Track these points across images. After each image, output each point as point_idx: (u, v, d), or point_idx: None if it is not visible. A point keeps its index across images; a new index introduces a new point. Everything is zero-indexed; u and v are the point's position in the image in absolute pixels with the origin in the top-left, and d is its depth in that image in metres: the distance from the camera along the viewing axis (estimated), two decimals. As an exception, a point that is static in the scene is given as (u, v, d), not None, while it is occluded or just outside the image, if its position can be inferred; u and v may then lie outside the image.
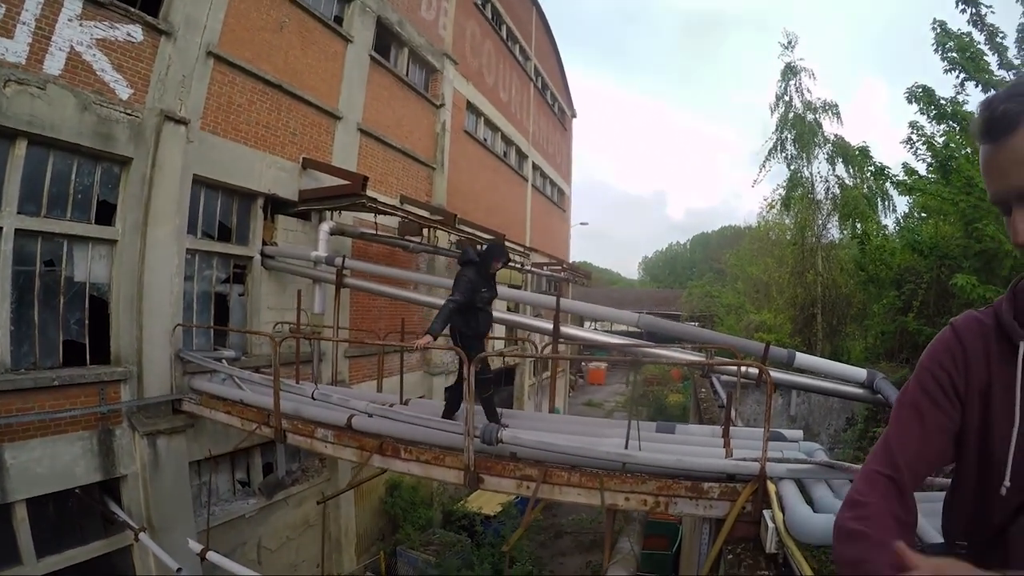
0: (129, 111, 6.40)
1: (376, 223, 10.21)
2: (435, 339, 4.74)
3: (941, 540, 1.16)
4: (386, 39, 11.72)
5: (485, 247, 5.31)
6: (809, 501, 3.81)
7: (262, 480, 8.23)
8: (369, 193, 9.09)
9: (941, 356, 1.05)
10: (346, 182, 9.04)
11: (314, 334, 8.72)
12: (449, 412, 5.43)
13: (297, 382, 7.37)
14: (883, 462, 1.01)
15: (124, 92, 6.36)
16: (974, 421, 0.99)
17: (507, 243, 15.17)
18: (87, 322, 6.31)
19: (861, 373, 5.72)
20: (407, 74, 12.47)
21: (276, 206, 8.92)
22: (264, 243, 8.67)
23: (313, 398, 6.31)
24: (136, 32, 6.43)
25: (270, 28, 8.48)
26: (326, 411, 5.89)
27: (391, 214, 10.13)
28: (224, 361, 7.43)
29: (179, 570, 5.81)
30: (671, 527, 10.80)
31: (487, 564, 9.42)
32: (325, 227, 9.19)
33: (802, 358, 5.89)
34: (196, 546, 5.84)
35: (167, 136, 6.79)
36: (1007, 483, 0.92)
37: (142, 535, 6.03)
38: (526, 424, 5.53)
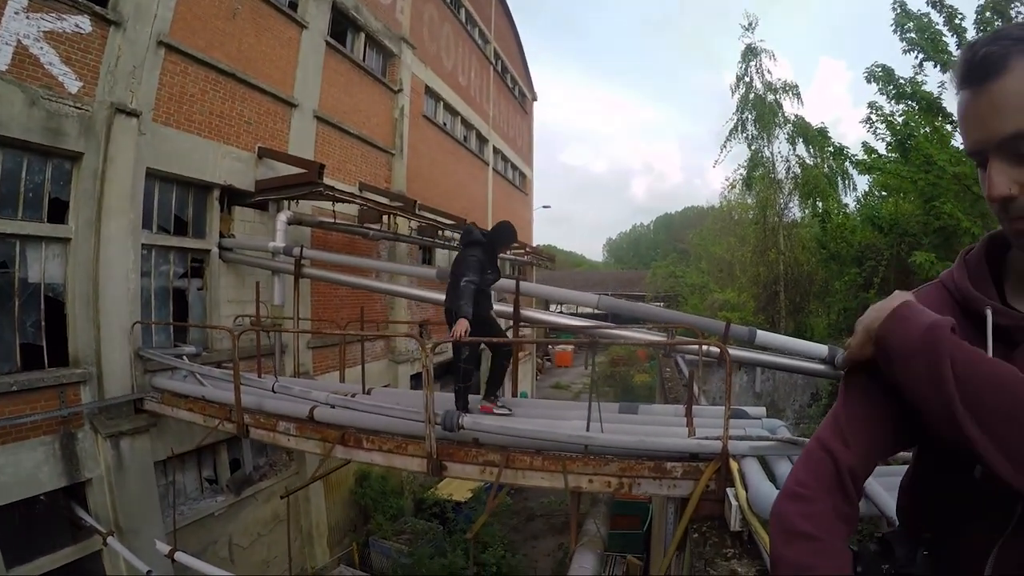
0: (79, 105, 6.28)
1: (334, 211, 10.23)
2: (469, 320, 4.65)
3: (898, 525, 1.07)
4: (342, 24, 11.62)
5: (493, 228, 5.28)
6: (772, 478, 3.84)
7: (229, 477, 8.28)
8: (327, 181, 9.10)
9: None
10: (303, 170, 9.02)
11: (274, 326, 8.78)
12: (462, 403, 5.36)
13: (259, 376, 7.38)
14: (831, 443, 0.93)
15: (73, 85, 6.25)
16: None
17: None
18: (43, 324, 6.23)
19: (823, 349, 5.79)
20: (364, 59, 12.41)
21: (232, 197, 8.86)
22: (221, 235, 8.62)
23: (274, 391, 6.28)
24: (84, 23, 6.29)
25: (223, 15, 8.36)
26: (288, 404, 5.88)
27: (350, 201, 10.17)
28: (185, 357, 7.42)
29: (149, 572, 5.84)
30: (642, 506, 11.04)
31: (460, 550, 9.67)
32: (282, 217, 9.19)
33: (763, 336, 5.96)
34: (164, 547, 5.89)
35: (118, 129, 6.69)
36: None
37: (110, 539, 6.05)
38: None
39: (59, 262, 6.39)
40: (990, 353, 0.84)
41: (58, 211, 6.35)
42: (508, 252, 19.46)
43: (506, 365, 5.64)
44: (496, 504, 5.34)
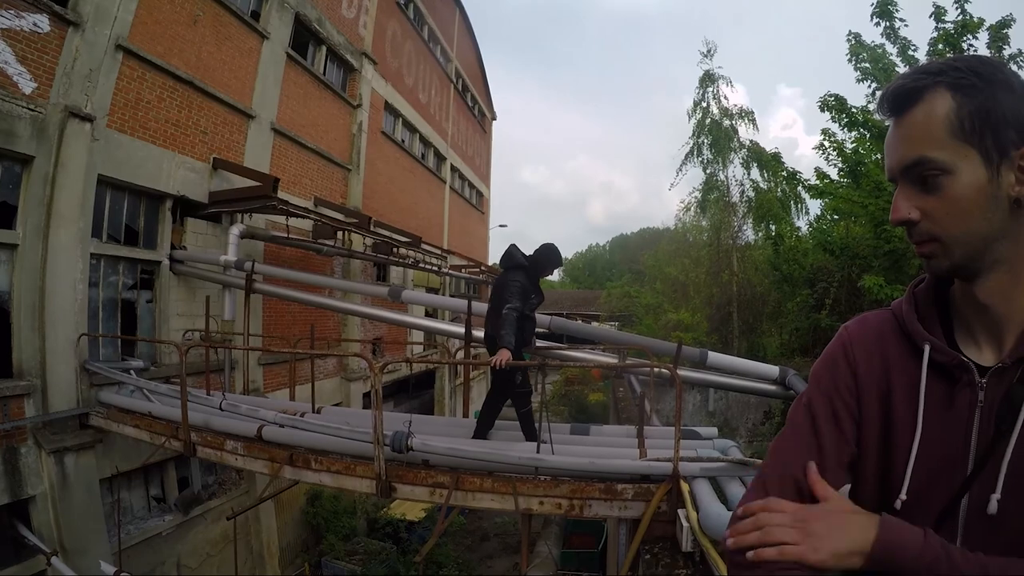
0: (32, 106, 6.22)
1: (287, 226, 10.26)
2: (511, 351, 4.60)
3: None
4: (304, 36, 11.76)
5: (537, 251, 5.13)
6: (724, 499, 3.90)
7: (178, 495, 8.09)
8: (281, 195, 9.15)
9: (835, 368, 0.98)
10: (257, 183, 9.04)
11: (223, 342, 8.71)
12: (482, 431, 5.32)
13: (208, 392, 7.35)
14: (773, 482, 0.92)
15: (27, 86, 6.19)
16: (873, 432, 0.92)
17: (424, 245, 15.56)
18: (-14, 333, 6.07)
19: (773, 370, 5.87)
20: (324, 73, 12.56)
21: (185, 208, 8.81)
22: (173, 247, 8.54)
23: (221, 409, 6.20)
24: (43, 22, 6.26)
25: (183, 22, 8.41)
26: (237, 422, 5.82)
27: (304, 216, 10.20)
28: (132, 372, 7.31)
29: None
30: (597, 525, 11.17)
31: (413, 571, 9.65)
32: (235, 230, 9.15)
33: (715, 357, 6.06)
34: (109, 568, 5.75)
35: (71, 133, 6.64)
36: (903, 496, 0.85)
37: (54, 559, 5.85)
38: (438, 430, 5.63)
39: (4, 269, 6.24)
40: (923, 389, 0.86)
41: (6, 216, 6.24)
42: (455, 270, 19.65)
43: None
44: (445, 526, 5.35)
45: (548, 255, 5.07)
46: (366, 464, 4.75)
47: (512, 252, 5.10)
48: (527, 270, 4.98)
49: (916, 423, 0.86)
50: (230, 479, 9.10)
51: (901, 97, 0.85)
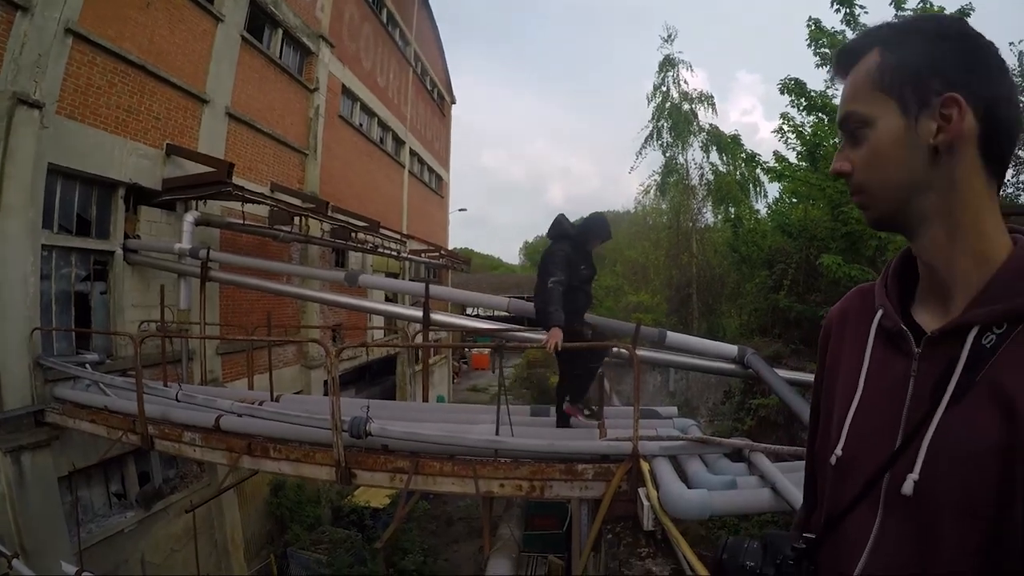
0: (-22, 95, 6.09)
1: (243, 212, 10.15)
2: (563, 329, 4.32)
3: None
4: (260, 19, 11.54)
5: (585, 220, 4.91)
6: (684, 477, 3.98)
7: (138, 491, 8.07)
8: (236, 181, 9.08)
9: (821, 345, 1.04)
10: (212, 169, 8.95)
11: (180, 332, 8.65)
12: (563, 419, 5.16)
13: (165, 384, 7.30)
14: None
15: (-28, 74, 6.05)
16: (832, 386, 0.97)
17: (382, 230, 15.54)
18: (-66, 329, 5.93)
19: (732, 349, 5.87)
20: (280, 56, 12.35)
21: (138, 196, 8.64)
22: (126, 236, 8.39)
23: (177, 400, 6.11)
24: (-11, 8, 6.11)
25: (135, 4, 8.18)
26: (194, 413, 5.75)
27: (259, 202, 10.12)
28: (88, 366, 7.20)
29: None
30: (560, 506, 11.20)
31: (379, 558, 9.80)
32: (189, 218, 9.01)
33: (673, 337, 6.02)
34: (71, 568, 5.69)
35: (20, 121, 6.47)
36: (838, 452, 0.88)
37: (15, 561, 5.72)
38: (399, 415, 5.58)
39: (-48, 264, 6.11)
40: (867, 353, 0.89)
41: (-48, 208, 6.08)
42: (415, 254, 19.59)
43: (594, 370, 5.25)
44: (406, 512, 5.36)
45: (596, 224, 4.83)
46: (325, 451, 4.73)
47: (559, 220, 4.87)
48: (573, 240, 4.74)
49: (857, 385, 0.88)
50: (191, 472, 9.09)
51: (842, 59, 0.88)
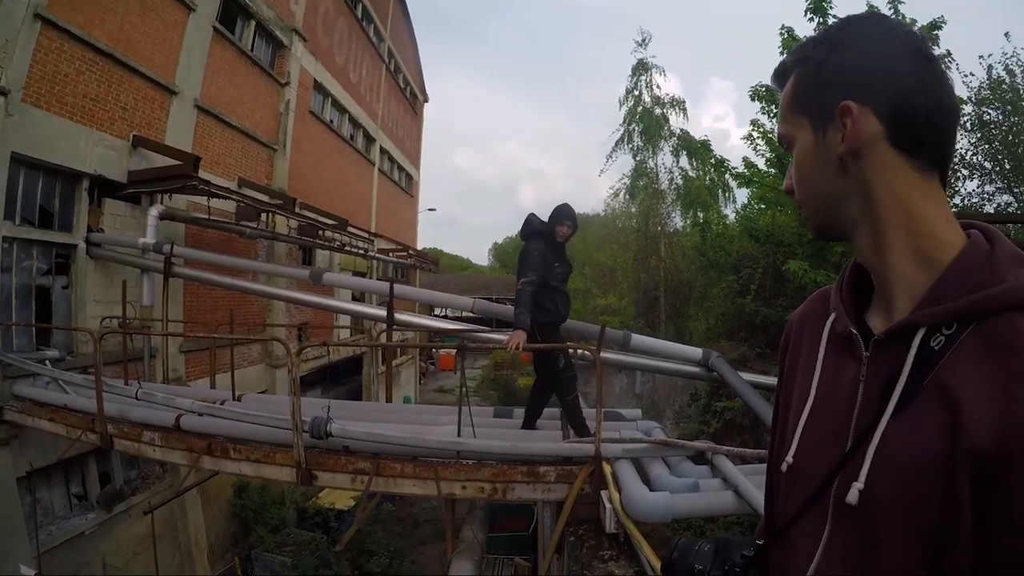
0: (-60, 80, 5.89)
1: (209, 207, 9.98)
2: (527, 332, 4.26)
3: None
4: (233, 10, 11.36)
5: (552, 213, 4.64)
6: (647, 480, 4.02)
7: (99, 492, 7.87)
8: (203, 175, 8.95)
9: (782, 349, 1.03)
10: (177, 162, 8.78)
11: (141, 328, 8.48)
12: (530, 421, 5.07)
13: (126, 382, 7.15)
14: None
15: (-64, 59, 5.84)
16: (788, 391, 0.96)
17: (350, 228, 15.43)
18: None
19: (697, 352, 5.86)
20: (252, 49, 12.18)
21: (103, 188, 8.43)
22: (90, 230, 8.17)
23: (137, 398, 6.03)
24: (-46, -8, 5.91)
25: (106, -9, 8.04)
26: (155, 412, 5.64)
27: (225, 197, 9.95)
28: (48, 363, 7.01)
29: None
30: (528, 508, 11.11)
31: (345, 560, 9.75)
32: (154, 212, 8.84)
33: (638, 339, 6.00)
34: (30, 571, 5.57)
35: (-18, 109, 6.33)
36: (789, 459, 0.86)
37: None
38: (360, 415, 5.56)
39: (-90, 254, 5.88)
40: (820, 358, 0.87)
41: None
42: (383, 253, 19.44)
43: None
44: (368, 514, 5.35)
45: (561, 211, 4.59)
46: (286, 452, 4.68)
47: (530, 219, 4.69)
48: (545, 236, 4.54)
49: (810, 391, 0.87)
50: (153, 473, 8.89)
51: (776, 83, 0.89)
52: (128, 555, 7.99)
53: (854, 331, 0.82)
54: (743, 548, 0.95)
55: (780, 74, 0.87)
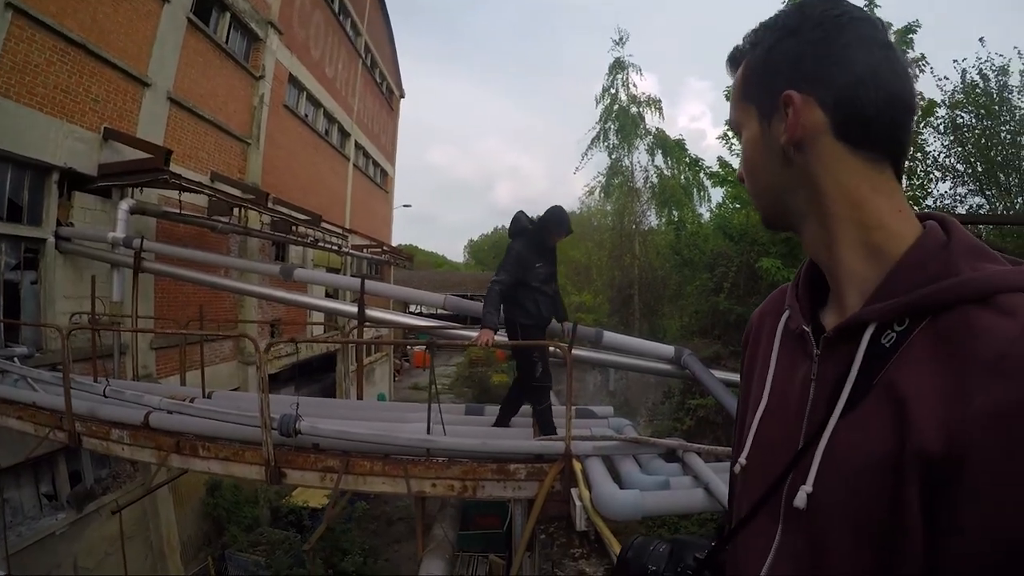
0: (-93, 70, 5.76)
1: (180, 201, 9.87)
2: (495, 331, 4.26)
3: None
4: (207, 1, 11.22)
5: (543, 214, 4.57)
6: (617, 477, 4.04)
7: (70, 491, 7.77)
8: (174, 168, 8.88)
9: (742, 348, 1.01)
10: (149, 155, 8.68)
11: (111, 325, 8.37)
12: (504, 419, 5.04)
13: (96, 379, 7.07)
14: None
15: (-97, 48, 5.72)
16: (745, 392, 0.95)
17: (324, 224, 15.35)
18: None
19: (669, 350, 5.86)
20: (227, 41, 12.04)
21: (73, 182, 8.31)
22: (59, 224, 8.05)
23: (105, 395, 5.94)
24: (-77, -21, 5.78)
25: (79, -21, 7.91)
26: (123, 409, 5.59)
27: (197, 191, 9.86)
28: (16, 359, 6.90)
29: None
30: (503, 506, 10.95)
31: (319, 560, 9.72)
32: (124, 205, 8.68)
33: (610, 337, 6.00)
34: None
35: (-49, 99, 6.20)
36: (742, 461, 0.85)
37: None
38: (331, 412, 5.57)
39: None
40: (775, 351, 0.85)
41: None
42: (357, 250, 19.39)
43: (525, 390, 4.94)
44: (338, 512, 5.33)
45: (553, 217, 4.51)
46: (255, 450, 4.66)
47: (517, 217, 4.64)
48: (530, 236, 4.49)
49: (764, 390, 0.85)
50: (124, 471, 8.78)
51: (730, 65, 0.86)
52: (100, 555, 7.90)
53: (806, 328, 0.80)
54: (698, 550, 0.93)
55: (733, 59, 0.85)
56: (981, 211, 10.28)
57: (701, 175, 14.92)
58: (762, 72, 0.78)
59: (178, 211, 9.90)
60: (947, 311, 0.64)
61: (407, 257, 26.37)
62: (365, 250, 20.39)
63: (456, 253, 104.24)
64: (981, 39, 10.22)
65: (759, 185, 0.81)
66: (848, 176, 0.73)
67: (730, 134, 10.86)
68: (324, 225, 15.35)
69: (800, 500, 0.70)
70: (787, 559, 0.75)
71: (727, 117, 0.88)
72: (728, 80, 0.85)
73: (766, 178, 0.80)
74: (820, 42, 0.73)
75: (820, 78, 0.72)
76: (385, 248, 22.57)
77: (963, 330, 0.62)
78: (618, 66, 18.69)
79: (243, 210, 11.59)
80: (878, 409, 0.66)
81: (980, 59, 10.27)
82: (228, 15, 11.94)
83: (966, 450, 0.57)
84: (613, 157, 18.95)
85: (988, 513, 0.56)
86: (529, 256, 4.42)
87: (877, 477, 0.64)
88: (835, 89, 0.71)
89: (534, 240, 4.49)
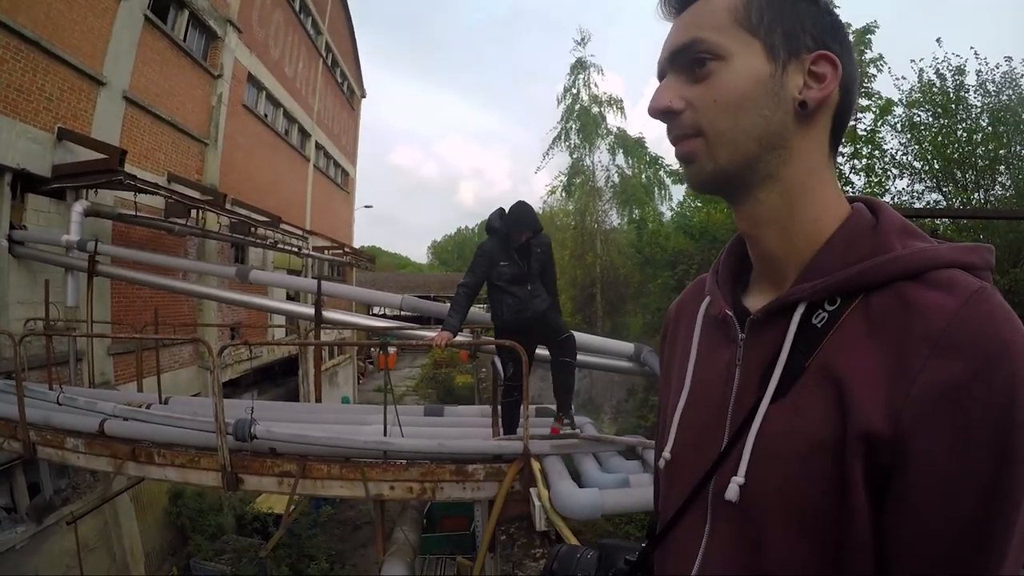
0: None
1: (136, 203, 9.68)
2: (453, 335, 4.19)
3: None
4: (165, -2, 11.12)
5: (509, 211, 4.39)
6: (577, 476, 4.04)
7: (29, 503, 7.59)
8: (130, 169, 8.75)
9: (660, 341, 0.98)
10: (104, 156, 8.53)
11: (65, 330, 8.21)
12: (510, 427, 4.74)
13: (50, 387, 6.92)
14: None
15: None
16: (665, 384, 0.91)
17: (284, 225, 15.22)
18: None
19: (629, 347, 5.86)
20: (185, 39, 11.86)
21: (26, 183, 8.13)
22: (12, 227, 7.86)
23: (59, 403, 5.79)
24: None
25: (32, -23, 7.75)
26: (78, 417, 5.46)
27: (153, 193, 9.72)
28: (-31, 368, 6.76)
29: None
30: (469, 507, 11.19)
31: (284, 566, 9.68)
32: (78, 207, 8.52)
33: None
34: None
35: (-101, 99, 6.04)
36: (666, 455, 0.80)
37: None
38: (288, 416, 5.53)
39: None
40: (696, 339, 0.82)
41: None
42: (317, 251, 19.23)
43: (563, 370, 4.73)
44: (292, 518, 5.31)
45: (518, 213, 4.33)
46: (211, 455, 4.59)
47: (491, 217, 4.48)
48: (499, 235, 4.35)
49: (685, 381, 0.81)
50: (84, 482, 8.59)
51: None
52: (62, 568, 7.71)
53: (729, 312, 0.76)
54: (628, 553, 0.89)
55: None
56: (938, 207, 10.43)
57: (661, 173, 15.21)
58: (790, 16, 0.69)
59: (134, 213, 9.72)
60: (881, 289, 0.63)
61: (369, 259, 26.23)
62: (326, 252, 20.24)
63: (419, 254, 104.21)
64: (938, 39, 10.48)
65: (742, 124, 0.69)
66: (825, 153, 0.72)
67: None
68: (284, 227, 15.23)
69: (732, 493, 0.67)
70: (719, 557, 0.72)
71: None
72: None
73: (757, 122, 0.69)
74: (840, 26, 0.71)
75: (843, 55, 0.69)
76: (347, 250, 22.43)
77: (900, 307, 0.61)
78: (580, 66, 18.87)
79: (201, 212, 11.43)
80: (814, 392, 0.64)
81: (937, 59, 10.48)
82: (186, 12, 11.77)
83: (913, 428, 0.56)
84: (575, 156, 19.10)
85: (938, 490, 0.55)
86: (496, 255, 4.30)
87: (817, 462, 0.61)
88: (847, 73, 0.69)
89: (500, 239, 4.35)
